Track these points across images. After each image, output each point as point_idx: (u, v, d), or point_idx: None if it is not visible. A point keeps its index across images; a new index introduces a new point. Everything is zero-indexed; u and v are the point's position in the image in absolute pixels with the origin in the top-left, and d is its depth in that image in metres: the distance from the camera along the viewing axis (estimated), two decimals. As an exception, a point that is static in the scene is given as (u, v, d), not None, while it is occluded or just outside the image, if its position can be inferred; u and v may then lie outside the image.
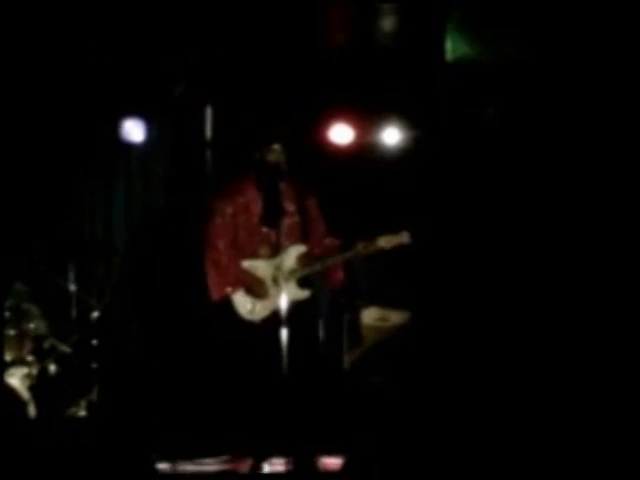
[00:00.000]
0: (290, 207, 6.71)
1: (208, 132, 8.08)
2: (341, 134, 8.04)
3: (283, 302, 6.49)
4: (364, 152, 8.14)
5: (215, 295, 6.68)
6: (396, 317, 7.54)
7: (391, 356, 7.45)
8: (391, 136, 8.15)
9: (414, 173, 8.12)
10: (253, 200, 6.73)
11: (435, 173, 8.08)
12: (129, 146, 7.95)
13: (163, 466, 6.82)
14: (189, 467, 7.11)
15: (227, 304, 6.66)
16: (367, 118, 8.12)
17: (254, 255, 6.67)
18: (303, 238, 6.68)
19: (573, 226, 7.70)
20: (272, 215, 6.66)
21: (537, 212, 7.82)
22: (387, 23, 8.05)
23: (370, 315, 7.60)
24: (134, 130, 7.85)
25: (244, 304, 6.64)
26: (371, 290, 7.78)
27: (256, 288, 6.63)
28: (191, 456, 7.18)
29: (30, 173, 7.80)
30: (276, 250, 6.63)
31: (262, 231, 6.70)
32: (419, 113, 8.14)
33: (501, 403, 7.12)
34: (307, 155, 7.62)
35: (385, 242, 6.60)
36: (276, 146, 6.65)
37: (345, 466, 6.61)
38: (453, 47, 8.00)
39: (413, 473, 6.18)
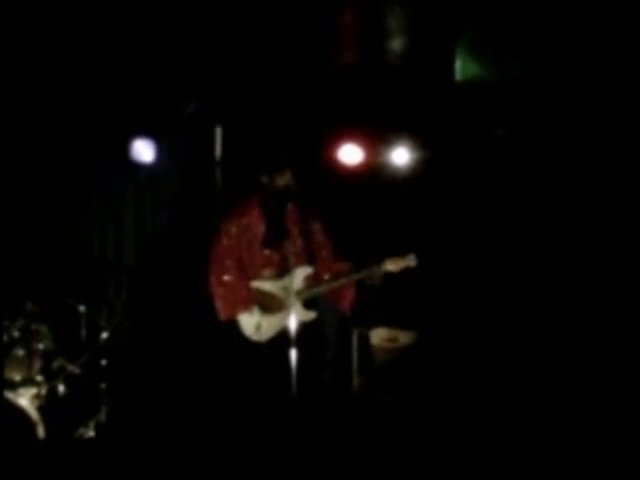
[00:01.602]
0: (294, 229, 6.73)
1: (218, 152, 8.09)
2: (350, 154, 8.04)
3: (292, 323, 6.51)
4: (373, 173, 8.14)
5: (224, 315, 6.69)
6: (405, 337, 7.54)
7: (400, 376, 7.44)
8: (400, 156, 8.15)
9: (424, 194, 8.11)
10: (257, 221, 6.76)
11: (444, 193, 8.07)
12: (139, 166, 7.98)
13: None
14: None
15: (234, 325, 6.67)
16: (376, 138, 8.12)
17: (258, 276, 6.69)
18: (309, 260, 6.70)
19: (584, 245, 7.68)
20: (275, 237, 6.69)
21: (548, 232, 7.80)
22: (397, 43, 8.05)
23: (379, 335, 7.60)
24: (144, 150, 7.89)
25: (250, 324, 6.65)
26: (381, 311, 7.77)
27: (269, 303, 6.63)
28: (200, 476, 7.19)
29: (41, 192, 7.83)
30: (280, 272, 6.66)
31: (265, 253, 6.72)
32: (428, 133, 8.14)
33: (509, 419, 7.11)
34: (316, 176, 7.63)
35: (392, 265, 6.61)
36: (286, 171, 6.68)
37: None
38: (462, 67, 8.00)
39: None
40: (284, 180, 6.68)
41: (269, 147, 7.54)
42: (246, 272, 6.70)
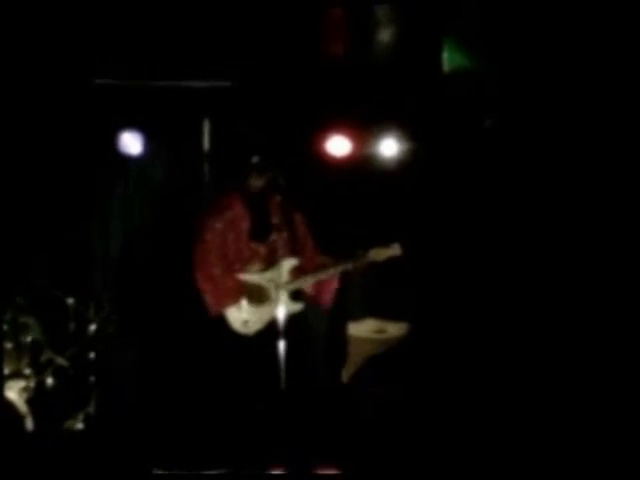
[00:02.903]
0: (277, 222, 6.74)
1: (205, 145, 8.08)
2: (338, 146, 8.03)
3: (280, 314, 6.53)
4: (361, 164, 8.13)
5: (213, 310, 6.71)
6: (394, 329, 7.53)
7: (389, 368, 7.44)
8: (389, 148, 8.14)
9: (412, 185, 8.10)
10: (241, 215, 6.78)
11: (433, 185, 8.07)
12: (127, 158, 7.96)
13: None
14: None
15: (221, 319, 6.68)
16: (364, 130, 8.11)
17: (245, 270, 6.71)
18: (294, 252, 6.72)
19: (575, 235, 7.69)
20: (261, 230, 6.71)
21: (538, 222, 7.80)
22: (384, 34, 8.05)
23: (367, 327, 7.60)
24: (132, 142, 7.87)
25: (238, 318, 6.66)
26: (369, 303, 7.77)
27: (256, 295, 6.66)
28: (189, 468, 7.19)
29: (28, 185, 7.80)
30: (267, 264, 6.68)
31: (251, 246, 6.74)
32: (417, 124, 8.14)
33: (504, 412, 7.11)
34: (302, 168, 7.64)
35: (376, 255, 6.64)
36: (263, 174, 6.70)
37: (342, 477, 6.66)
38: (450, 58, 8.00)
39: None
40: (259, 182, 6.73)
41: (256, 137, 7.55)
42: (233, 266, 6.72)
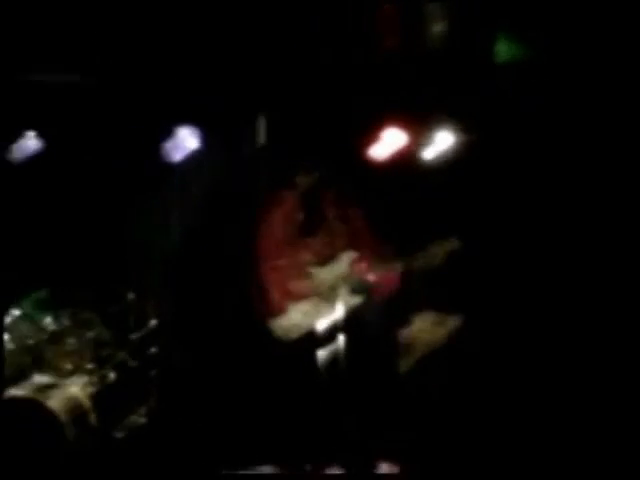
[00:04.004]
0: (331, 215, 6.76)
1: (261, 141, 8.11)
2: (393, 140, 8.03)
3: (340, 309, 6.56)
4: (415, 159, 8.13)
5: (277, 306, 6.74)
6: (452, 322, 7.54)
7: (448, 361, 7.45)
8: (444, 141, 8.13)
9: (466, 179, 8.09)
10: (295, 210, 6.81)
11: (485, 178, 8.05)
12: (173, 161, 8.01)
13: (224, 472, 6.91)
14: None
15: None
16: (419, 123, 8.11)
17: (299, 263, 6.73)
18: (351, 246, 6.73)
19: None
20: (312, 224, 6.73)
21: (595, 219, 7.76)
22: (437, 27, 8.04)
23: (425, 320, 7.60)
24: (189, 138, 7.92)
25: (302, 314, 6.69)
26: (428, 297, 7.77)
27: (325, 292, 6.67)
28: (250, 464, 7.25)
29: (90, 180, 7.88)
30: (321, 258, 6.70)
31: (305, 241, 6.77)
32: (471, 117, 8.12)
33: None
34: (357, 163, 7.64)
35: (436, 250, 6.63)
36: (311, 173, 6.73)
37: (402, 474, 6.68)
38: (503, 49, 7.97)
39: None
40: (307, 181, 6.75)
41: (309, 135, 7.57)
42: (292, 258, 6.76)
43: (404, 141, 8.02)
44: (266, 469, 7.09)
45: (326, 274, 6.71)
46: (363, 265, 6.74)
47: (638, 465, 5.79)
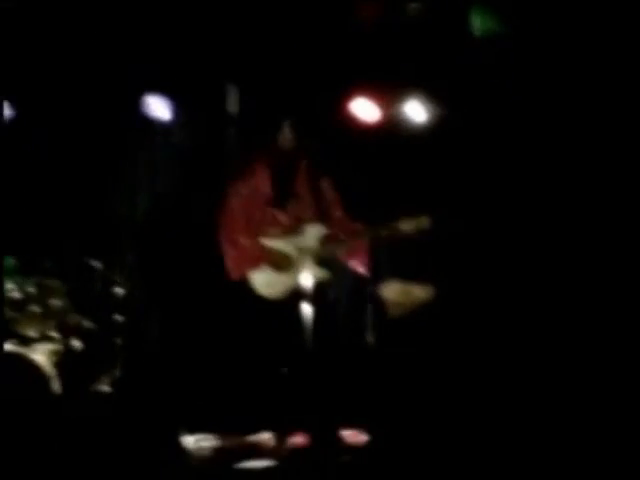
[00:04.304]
0: (303, 188, 6.72)
1: (232, 110, 8.06)
2: (365, 110, 7.99)
3: (307, 281, 6.51)
4: (388, 129, 8.08)
5: (235, 274, 6.73)
6: (419, 292, 7.51)
7: (414, 331, 7.43)
8: (417, 113, 8.09)
9: (440, 151, 8.04)
10: (265, 181, 6.77)
11: (460, 150, 8.00)
12: (153, 123, 7.95)
13: (187, 440, 6.87)
14: (212, 441, 7.17)
15: (246, 283, 6.68)
16: (392, 95, 8.06)
17: (267, 236, 6.70)
18: (320, 219, 6.70)
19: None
20: (282, 196, 6.71)
21: (566, 190, 7.72)
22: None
23: (392, 290, 7.58)
24: (159, 107, 7.87)
25: (262, 283, 6.66)
26: (395, 271, 7.74)
27: (281, 262, 6.64)
28: (214, 431, 7.23)
29: (56, 150, 7.83)
30: (289, 231, 6.67)
31: (273, 212, 6.74)
32: (445, 90, 8.07)
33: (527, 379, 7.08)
34: (329, 132, 7.60)
35: (406, 226, 6.60)
36: (298, 133, 6.67)
37: (369, 441, 6.66)
38: (479, 21, 7.93)
39: (439, 447, 6.19)
40: (291, 142, 6.70)
41: (281, 101, 7.52)
42: (257, 231, 6.73)
43: (377, 113, 7.99)
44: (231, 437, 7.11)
45: (291, 246, 6.67)
46: (331, 239, 6.69)
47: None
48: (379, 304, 7.58)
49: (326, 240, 6.70)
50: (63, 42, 7.63)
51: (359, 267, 6.91)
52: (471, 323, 7.50)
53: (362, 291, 7.67)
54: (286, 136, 6.73)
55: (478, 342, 7.37)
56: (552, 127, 7.79)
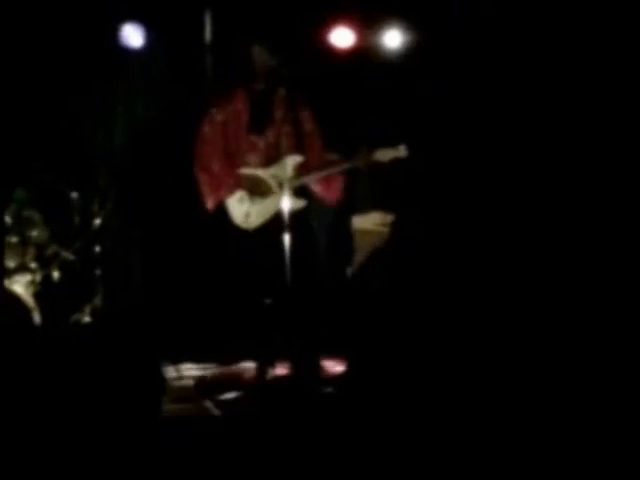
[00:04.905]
0: (280, 116, 6.66)
1: (207, 37, 7.97)
2: (341, 38, 7.94)
3: (285, 208, 6.50)
4: (365, 57, 8.03)
5: (210, 203, 6.69)
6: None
7: (392, 262, 7.47)
8: (393, 39, 8.04)
9: (417, 79, 8.01)
10: (242, 108, 6.72)
11: (437, 79, 7.97)
12: (128, 51, 7.86)
13: (168, 370, 6.92)
14: (194, 371, 7.24)
15: (223, 213, 6.66)
16: (368, 21, 8.00)
17: (244, 163, 6.67)
18: (298, 149, 6.65)
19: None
20: (259, 123, 6.65)
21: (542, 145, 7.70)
22: None
23: (371, 220, 7.60)
24: (133, 35, 7.77)
25: (240, 212, 6.64)
26: (374, 197, 7.76)
27: (258, 189, 6.62)
28: (195, 361, 7.29)
29: (30, 78, 7.71)
30: (265, 159, 6.63)
31: (250, 139, 6.69)
32: (423, 15, 8.01)
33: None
34: (306, 60, 7.54)
35: (382, 155, 6.56)
36: (277, 54, 6.60)
37: (348, 370, 6.73)
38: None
39: (416, 376, 6.25)
40: (271, 61, 6.61)
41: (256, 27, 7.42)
42: (232, 160, 6.69)
43: (353, 40, 7.94)
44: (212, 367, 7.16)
45: (267, 175, 6.64)
46: (308, 169, 6.66)
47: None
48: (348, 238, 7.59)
49: (300, 170, 6.66)
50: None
51: (333, 199, 6.86)
52: (451, 253, 7.55)
53: (342, 223, 7.68)
54: (263, 57, 6.64)
55: (458, 273, 7.43)
56: (528, 59, 7.77)
